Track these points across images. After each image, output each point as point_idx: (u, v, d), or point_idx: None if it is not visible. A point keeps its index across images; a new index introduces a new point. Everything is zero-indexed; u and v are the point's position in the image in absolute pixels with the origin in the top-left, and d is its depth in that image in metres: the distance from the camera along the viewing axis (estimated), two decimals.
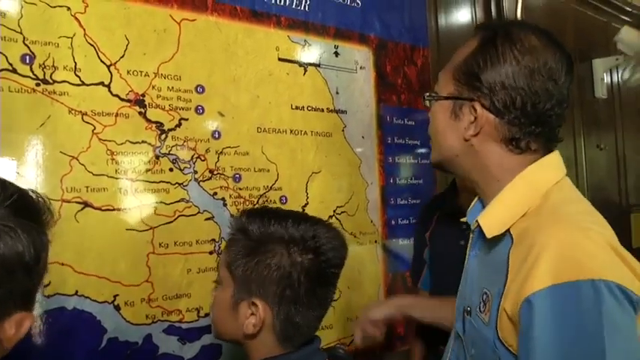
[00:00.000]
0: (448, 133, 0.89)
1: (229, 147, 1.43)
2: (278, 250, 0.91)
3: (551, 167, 0.86)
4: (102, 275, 1.19)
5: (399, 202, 1.85)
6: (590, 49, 3.00)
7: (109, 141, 1.23)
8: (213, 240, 1.37)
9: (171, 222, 1.31)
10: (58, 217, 1.14)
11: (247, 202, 1.45)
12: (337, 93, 1.69)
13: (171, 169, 1.32)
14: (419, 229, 1.72)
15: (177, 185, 1.32)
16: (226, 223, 1.37)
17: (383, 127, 1.82)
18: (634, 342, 0.68)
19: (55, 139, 1.16)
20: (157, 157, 1.30)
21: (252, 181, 1.47)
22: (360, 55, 1.77)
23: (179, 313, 1.31)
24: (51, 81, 1.17)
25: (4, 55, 1.11)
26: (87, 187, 1.19)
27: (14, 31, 1.13)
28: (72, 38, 1.20)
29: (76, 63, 1.20)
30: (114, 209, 1.23)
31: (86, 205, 1.19)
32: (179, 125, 1.34)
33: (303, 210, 1.56)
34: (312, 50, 1.64)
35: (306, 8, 1.63)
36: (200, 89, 1.38)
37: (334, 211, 1.65)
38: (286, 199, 1.54)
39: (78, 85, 1.20)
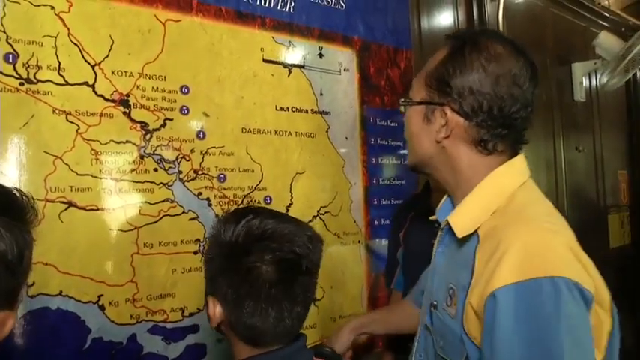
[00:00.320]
0: (422, 137, 0.94)
1: (214, 147, 1.43)
2: (221, 250, 0.90)
3: (517, 170, 0.91)
4: (86, 275, 1.19)
5: (382, 202, 1.87)
6: (569, 53, 3.06)
7: (94, 141, 1.23)
8: (198, 240, 1.38)
9: (156, 222, 1.31)
10: (42, 217, 1.13)
11: (232, 203, 1.45)
12: (321, 94, 1.71)
13: (155, 170, 1.32)
14: (393, 230, 1.74)
15: (161, 185, 1.33)
16: (211, 224, 1.38)
17: (366, 129, 1.83)
18: (587, 333, 0.74)
19: (39, 138, 1.16)
20: (142, 157, 1.30)
21: (236, 181, 1.47)
22: (344, 56, 1.79)
23: (163, 313, 1.31)
24: (35, 80, 1.16)
25: None
26: (71, 186, 1.19)
27: None
28: (56, 37, 1.19)
29: (60, 62, 1.20)
30: (98, 209, 1.23)
31: (70, 205, 1.19)
32: (164, 125, 1.35)
33: (287, 210, 1.57)
34: (297, 52, 1.65)
35: (291, 10, 1.64)
36: (185, 89, 1.39)
37: (318, 211, 1.67)
38: (270, 199, 1.55)
39: (62, 84, 1.20)
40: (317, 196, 1.67)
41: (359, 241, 1.79)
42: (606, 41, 2.88)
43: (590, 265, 0.79)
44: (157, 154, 1.32)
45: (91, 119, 1.23)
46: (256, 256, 0.86)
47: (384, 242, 1.84)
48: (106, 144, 1.25)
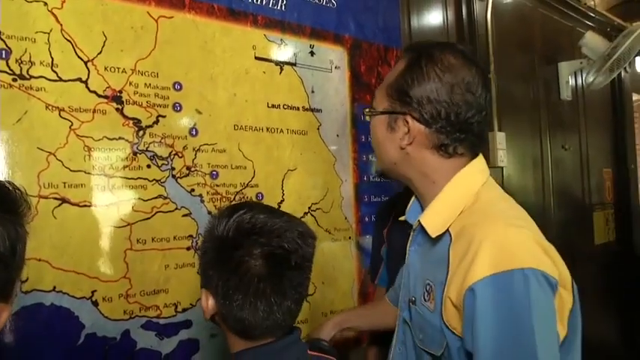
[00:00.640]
0: (387, 144, 1.00)
1: (206, 144, 1.44)
2: (213, 244, 0.91)
3: (478, 170, 0.98)
4: (80, 271, 1.20)
5: (373, 199, 1.89)
6: (556, 52, 3.10)
7: (87, 137, 1.23)
8: (191, 236, 1.39)
9: (149, 218, 1.31)
10: (36, 213, 1.14)
11: (224, 199, 1.46)
12: (313, 92, 1.72)
13: (148, 166, 1.33)
14: (377, 227, 1.75)
15: (154, 182, 1.33)
16: (203, 220, 1.39)
17: (357, 126, 1.85)
18: (553, 316, 0.82)
19: (32, 134, 1.16)
20: (135, 153, 1.30)
21: (229, 178, 1.48)
22: (335, 54, 1.80)
23: (157, 309, 1.31)
24: (28, 76, 1.16)
25: None
26: (64, 183, 1.19)
27: None
28: (49, 34, 1.19)
29: (53, 59, 1.20)
30: (91, 205, 1.23)
31: (64, 201, 1.19)
32: (156, 122, 1.35)
33: (279, 207, 1.58)
34: (288, 49, 1.66)
35: (283, 8, 1.65)
36: (177, 86, 1.39)
37: (309, 207, 1.68)
38: (262, 195, 1.56)
39: (55, 80, 1.20)
40: (308, 193, 1.68)
41: (349, 238, 1.80)
42: (592, 41, 2.92)
43: (553, 252, 0.86)
44: (149, 151, 1.33)
45: (84, 115, 1.23)
46: (246, 250, 0.87)
47: None
48: (99, 140, 1.25)
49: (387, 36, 1.98)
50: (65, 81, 1.21)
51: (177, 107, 1.39)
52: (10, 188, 0.74)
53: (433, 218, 0.95)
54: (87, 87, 1.24)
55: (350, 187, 1.82)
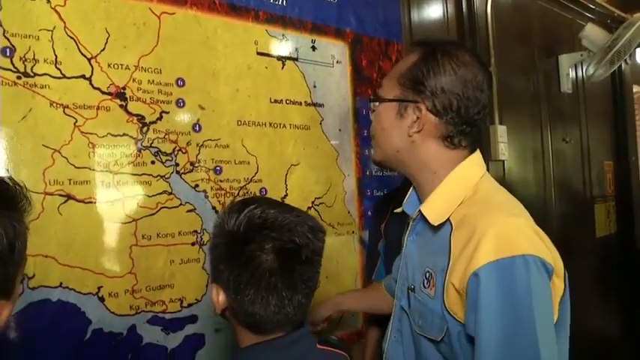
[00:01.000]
0: (393, 131, 1.03)
1: (210, 140, 1.45)
2: (224, 239, 0.91)
3: (477, 163, 1.02)
4: (86, 267, 1.20)
5: (375, 193, 1.90)
6: (556, 44, 3.10)
7: (91, 134, 1.24)
8: (196, 231, 1.39)
9: (154, 214, 1.32)
10: (42, 210, 1.15)
11: (228, 194, 1.47)
12: (314, 87, 1.72)
13: (153, 162, 1.33)
14: (374, 222, 1.76)
15: (159, 178, 1.34)
16: (208, 215, 1.40)
17: (359, 120, 1.85)
18: (549, 300, 0.87)
19: (36, 132, 1.16)
20: (139, 149, 1.31)
21: (232, 173, 1.49)
22: (336, 49, 1.80)
23: (162, 304, 1.32)
24: (32, 74, 1.17)
25: None
26: (70, 179, 1.20)
27: None
28: (52, 31, 1.20)
29: (56, 56, 1.20)
30: (97, 202, 1.24)
31: (69, 197, 1.19)
32: (160, 118, 1.36)
33: (283, 201, 1.59)
34: (290, 44, 1.67)
35: (284, 3, 1.65)
36: (180, 82, 1.40)
37: (312, 202, 1.69)
38: (266, 190, 1.56)
39: (59, 78, 1.20)
40: (311, 188, 1.69)
41: (353, 232, 1.81)
42: (592, 33, 2.91)
43: (548, 240, 0.91)
44: (153, 147, 1.33)
45: (88, 112, 1.24)
46: (257, 245, 0.88)
47: None
48: (103, 137, 1.26)
49: (387, 30, 1.98)
50: (69, 78, 1.22)
51: (180, 103, 1.39)
52: (10, 184, 0.73)
53: (434, 207, 0.98)
54: (91, 84, 1.25)
55: (352, 181, 1.82)
